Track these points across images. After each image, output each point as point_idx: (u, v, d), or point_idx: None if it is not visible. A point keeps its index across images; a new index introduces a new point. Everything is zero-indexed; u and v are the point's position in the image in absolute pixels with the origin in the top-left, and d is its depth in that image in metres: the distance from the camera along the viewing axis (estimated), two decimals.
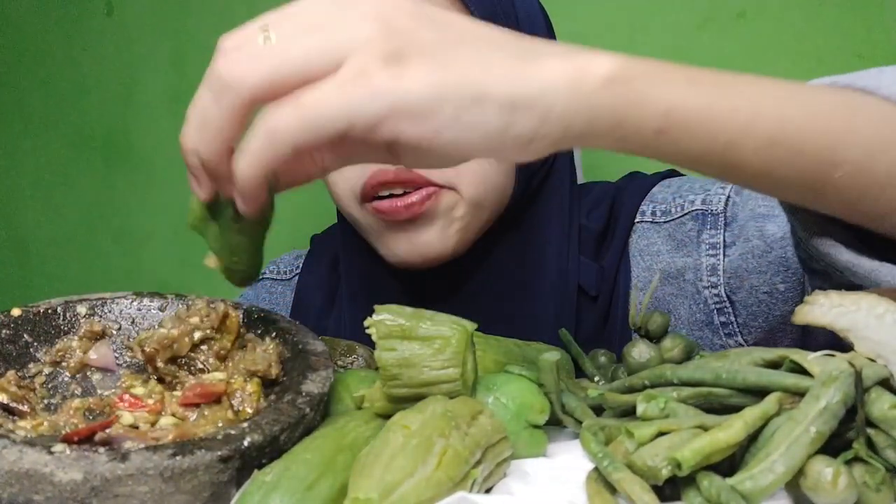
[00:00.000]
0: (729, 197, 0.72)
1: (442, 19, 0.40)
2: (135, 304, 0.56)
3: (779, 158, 0.45)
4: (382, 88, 0.38)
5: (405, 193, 0.67)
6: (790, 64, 0.92)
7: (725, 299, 0.70)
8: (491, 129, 0.39)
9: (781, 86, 0.46)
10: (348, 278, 0.82)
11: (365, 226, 0.72)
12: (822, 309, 0.43)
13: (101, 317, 0.55)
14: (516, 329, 0.67)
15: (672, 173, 0.81)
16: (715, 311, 0.71)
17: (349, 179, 0.69)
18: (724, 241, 0.71)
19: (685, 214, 0.74)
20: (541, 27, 0.77)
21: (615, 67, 0.41)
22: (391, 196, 0.67)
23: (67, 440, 0.43)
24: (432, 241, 0.69)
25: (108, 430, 0.45)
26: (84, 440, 0.43)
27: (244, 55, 0.40)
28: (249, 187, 0.41)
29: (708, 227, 0.72)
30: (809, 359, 0.41)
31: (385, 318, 0.46)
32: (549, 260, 0.74)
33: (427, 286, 0.74)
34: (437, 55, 0.39)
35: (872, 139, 0.46)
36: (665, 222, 0.75)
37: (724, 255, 0.71)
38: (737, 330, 0.70)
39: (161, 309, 0.56)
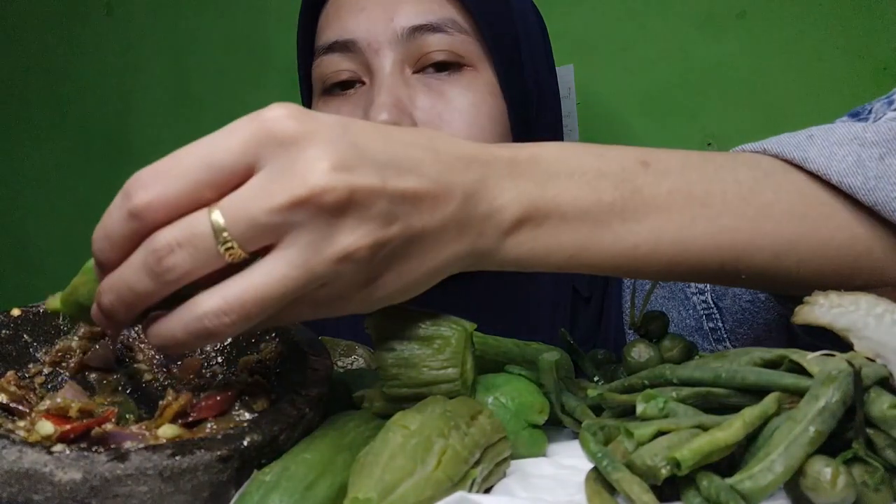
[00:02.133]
0: None
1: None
2: None
3: (680, 274, 0.48)
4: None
5: None
6: (790, 64, 0.92)
7: (713, 305, 0.71)
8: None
9: (692, 201, 0.46)
10: None
11: None
12: (822, 309, 0.43)
13: None
14: (512, 326, 0.67)
15: None
16: (704, 317, 0.72)
17: None
18: None
19: None
20: (533, 26, 0.77)
21: (521, 217, 0.43)
22: None
23: (64, 438, 0.43)
24: None
25: (105, 426, 0.45)
26: (80, 437, 0.43)
27: None
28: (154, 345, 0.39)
29: None
30: (809, 358, 0.41)
31: (384, 319, 0.46)
32: None
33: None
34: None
35: (780, 240, 0.47)
36: None
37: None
38: (725, 336, 0.71)
39: None
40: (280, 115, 0.36)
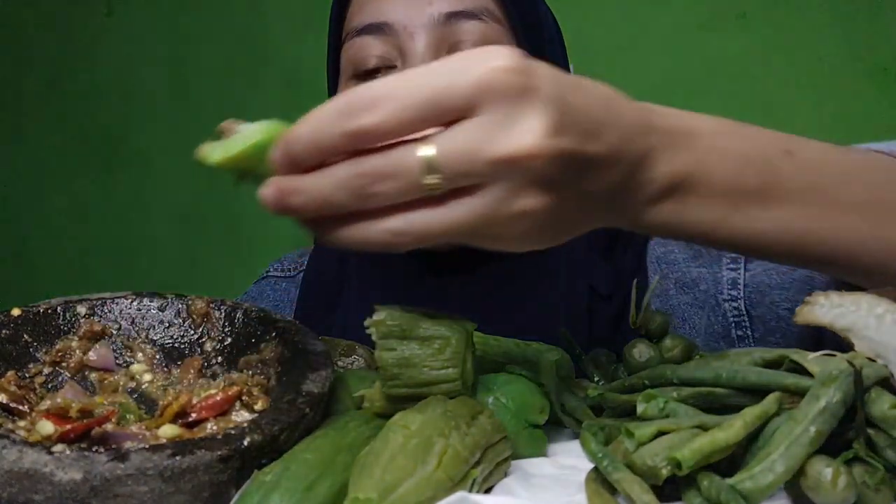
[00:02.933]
0: None
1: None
2: (135, 304, 0.56)
3: (793, 261, 0.51)
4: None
5: None
6: (790, 64, 0.92)
7: (744, 313, 0.71)
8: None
9: (824, 198, 0.48)
10: (360, 270, 0.81)
11: None
12: (823, 309, 0.43)
13: (100, 317, 0.55)
14: (525, 322, 0.67)
15: None
16: (733, 325, 0.72)
17: None
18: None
19: None
20: (554, 25, 0.79)
21: (669, 187, 0.45)
22: None
23: (64, 437, 0.43)
24: None
25: (105, 426, 0.45)
26: (80, 437, 0.43)
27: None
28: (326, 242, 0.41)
29: None
30: (809, 359, 0.41)
31: (385, 318, 0.46)
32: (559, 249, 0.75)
33: (441, 269, 0.75)
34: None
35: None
36: None
37: (746, 269, 0.71)
38: (752, 344, 0.71)
39: (161, 309, 0.56)
40: (508, 67, 0.37)
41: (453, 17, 0.70)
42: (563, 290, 0.75)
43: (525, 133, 0.36)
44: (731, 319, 0.71)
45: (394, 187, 0.37)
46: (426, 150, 0.37)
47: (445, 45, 0.71)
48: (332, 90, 0.80)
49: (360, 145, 0.37)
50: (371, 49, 0.72)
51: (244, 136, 0.40)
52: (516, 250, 0.43)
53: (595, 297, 0.75)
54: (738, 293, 0.71)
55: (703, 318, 0.73)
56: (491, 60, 0.37)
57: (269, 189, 0.40)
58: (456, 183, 0.37)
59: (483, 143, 0.36)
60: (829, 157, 0.49)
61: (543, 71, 0.38)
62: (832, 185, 0.48)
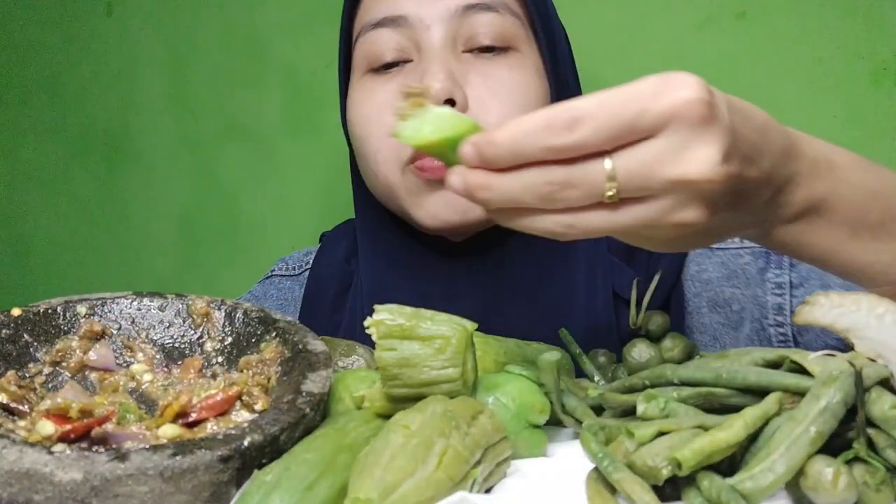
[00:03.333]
0: None
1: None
2: (135, 303, 0.56)
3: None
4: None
5: None
6: (790, 64, 0.92)
7: (791, 338, 0.71)
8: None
9: None
10: (372, 266, 0.81)
11: (404, 190, 0.71)
12: (823, 309, 0.43)
13: (101, 317, 0.55)
14: (543, 303, 0.68)
15: None
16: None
17: (397, 147, 0.70)
18: (791, 281, 0.71)
19: (743, 248, 0.74)
20: (562, 28, 0.79)
21: (803, 211, 0.49)
22: None
23: (64, 437, 0.43)
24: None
25: (105, 426, 0.45)
26: (80, 437, 0.43)
27: None
28: (497, 216, 0.44)
29: (772, 266, 0.72)
30: (810, 359, 0.41)
31: (385, 318, 0.46)
32: (578, 247, 0.75)
33: (460, 260, 0.75)
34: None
35: None
36: (720, 250, 0.75)
37: (792, 295, 0.71)
38: None
39: (161, 309, 0.56)
40: (695, 98, 0.40)
41: (471, 9, 0.70)
42: (582, 281, 0.74)
43: (703, 159, 0.40)
44: (777, 344, 0.71)
45: (577, 195, 0.41)
46: (610, 164, 0.41)
47: (462, 38, 0.71)
48: (343, 85, 0.79)
49: (556, 157, 0.41)
50: (387, 42, 0.72)
51: (435, 124, 0.45)
52: (660, 251, 0.47)
53: (619, 301, 0.75)
54: (785, 319, 0.71)
55: (735, 337, 0.73)
56: (680, 89, 0.40)
57: (457, 178, 0.44)
58: (632, 195, 0.41)
59: (663, 164, 0.40)
60: None
61: (720, 100, 0.42)
62: None
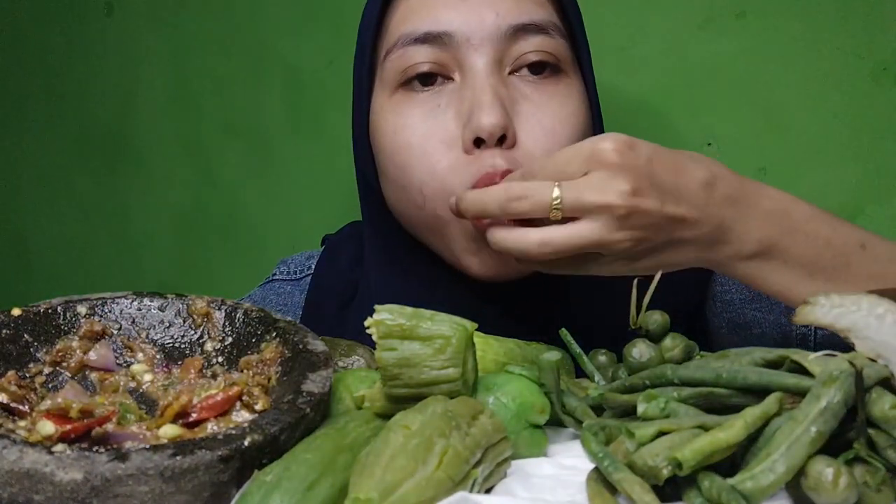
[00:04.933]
0: None
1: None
2: (135, 303, 0.56)
3: None
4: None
5: None
6: (790, 64, 0.92)
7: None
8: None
9: (884, 286, 0.58)
10: (380, 274, 0.78)
11: (455, 236, 0.68)
12: (823, 309, 0.43)
13: (101, 317, 0.55)
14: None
15: None
16: None
17: (453, 188, 0.65)
18: None
19: None
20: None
21: (756, 252, 0.59)
22: None
23: (65, 437, 0.43)
24: None
25: (106, 426, 0.45)
26: (81, 437, 0.43)
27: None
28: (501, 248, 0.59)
29: None
30: (810, 359, 0.41)
31: (385, 318, 0.46)
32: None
33: (502, 300, 0.72)
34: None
35: None
36: None
37: (817, 327, 0.69)
38: None
39: (161, 309, 0.56)
40: (611, 148, 0.55)
41: (521, 30, 0.67)
42: (604, 319, 0.73)
43: (617, 191, 0.54)
44: None
45: (530, 206, 0.56)
46: (556, 190, 0.55)
47: (509, 60, 0.68)
48: (360, 100, 0.74)
49: (517, 178, 0.60)
50: (426, 58, 0.68)
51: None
52: (620, 274, 0.58)
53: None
54: (809, 328, 0.71)
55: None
56: (603, 141, 0.56)
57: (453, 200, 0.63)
58: (571, 213, 0.55)
59: (590, 192, 0.55)
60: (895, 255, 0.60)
61: (639, 153, 0.55)
62: (893, 277, 0.59)
